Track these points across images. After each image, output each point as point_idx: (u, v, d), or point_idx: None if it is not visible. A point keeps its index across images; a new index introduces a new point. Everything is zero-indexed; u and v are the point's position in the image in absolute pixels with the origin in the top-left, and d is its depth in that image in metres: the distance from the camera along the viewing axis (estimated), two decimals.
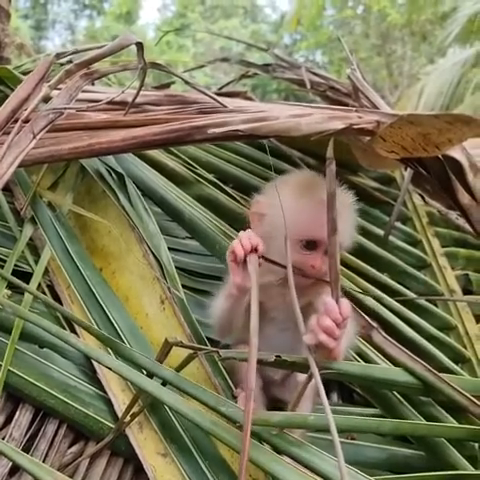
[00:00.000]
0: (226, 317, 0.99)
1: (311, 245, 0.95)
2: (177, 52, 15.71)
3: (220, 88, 2.32)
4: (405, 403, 1.11)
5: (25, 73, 1.59)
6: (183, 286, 1.18)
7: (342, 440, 1.01)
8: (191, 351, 0.91)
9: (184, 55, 15.68)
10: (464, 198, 0.92)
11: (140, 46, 1.05)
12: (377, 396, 1.14)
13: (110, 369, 0.91)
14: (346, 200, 0.99)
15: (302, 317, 0.79)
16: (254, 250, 0.89)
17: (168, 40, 14.97)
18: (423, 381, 0.95)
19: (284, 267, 0.90)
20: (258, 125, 0.95)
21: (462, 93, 8.03)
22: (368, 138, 0.88)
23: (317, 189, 0.93)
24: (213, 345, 1.07)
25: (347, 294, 1.21)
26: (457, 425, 1.01)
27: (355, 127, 0.86)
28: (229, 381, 1.04)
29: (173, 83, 2.25)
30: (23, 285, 1.01)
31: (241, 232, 0.92)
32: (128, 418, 0.94)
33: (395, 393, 1.13)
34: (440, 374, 0.95)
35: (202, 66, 2.53)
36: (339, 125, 0.87)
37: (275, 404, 1.06)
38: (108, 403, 1.00)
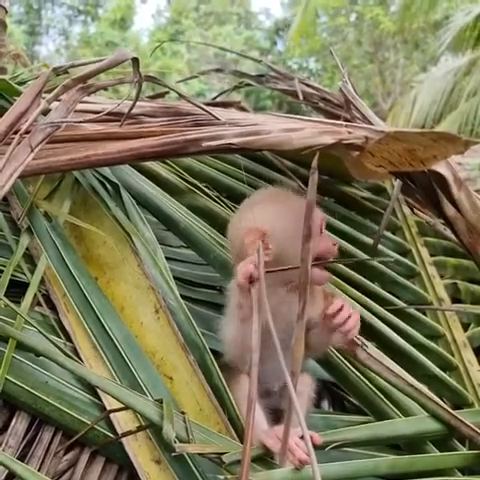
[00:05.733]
0: (244, 342, 0.97)
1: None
2: (171, 58, 15.75)
3: (214, 98, 2.35)
4: (399, 413, 1.14)
5: (21, 83, 1.61)
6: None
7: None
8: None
9: (178, 61, 15.74)
10: (449, 210, 0.95)
11: (136, 61, 1.08)
12: (369, 404, 1.17)
13: (106, 378, 0.93)
14: None
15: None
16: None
17: (162, 46, 15.01)
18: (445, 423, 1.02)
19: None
20: (251, 139, 0.97)
21: (455, 101, 8.12)
22: (357, 153, 0.91)
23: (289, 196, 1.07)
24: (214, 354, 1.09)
25: None
26: (452, 453, 1.05)
27: (344, 142, 0.89)
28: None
29: (168, 93, 2.27)
30: (15, 308, 1.04)
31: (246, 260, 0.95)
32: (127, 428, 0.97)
33: (387, 401, 1.16)
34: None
35: (195, 77, 2.56)
36: (329, 140, 0.90)
37: (274, 413, 1.07)
38: (103, 410, 1.01)
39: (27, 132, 0.91)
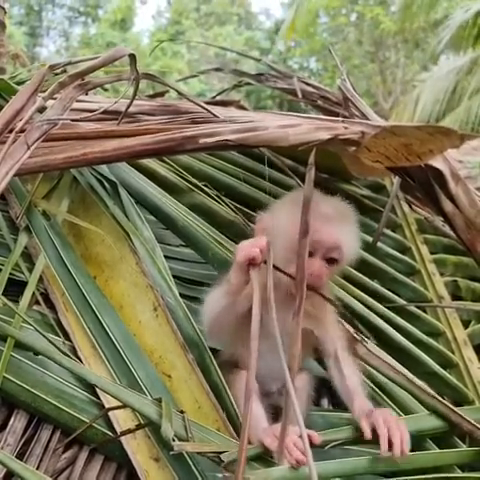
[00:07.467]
0: (220, 316, 1.02)
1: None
2: (171, 58, 15.74)
3: (214, 97, 2.35)
4: (398, 411, 1.14)
5: (20, 83, 1.61)
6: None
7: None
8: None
9: (179, 61, 15.73)
10: (447, 206, 0.95)
11: (133, 57, 1.07)
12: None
13: (105, 377, 0.92)
14: (348, 213, 1.04)
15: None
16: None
17: (162, 46, 15.01)
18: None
19: (285, 273, 0.97)
20: (247, 135, 0.97)
21: (458, 100, 8.10)
22: (354, 148, 0.90)
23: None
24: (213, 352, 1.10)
25: (337, 300, 1.23)
26: (452, 450, 1.04)
27: (341, 137, 0.89)
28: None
29: (167, 92, 2.27)
30: (13, 307, 1.03)
31: (252, 242, 0.95)
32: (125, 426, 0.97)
33: (387, 399, 1.16)
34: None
35: (195, 76, 2.56)
36: (325, 136, 0.89)
37: (274, 410, 1.07)
38: (101, 409, 1.01)
39: (23, 130, 0.90)
